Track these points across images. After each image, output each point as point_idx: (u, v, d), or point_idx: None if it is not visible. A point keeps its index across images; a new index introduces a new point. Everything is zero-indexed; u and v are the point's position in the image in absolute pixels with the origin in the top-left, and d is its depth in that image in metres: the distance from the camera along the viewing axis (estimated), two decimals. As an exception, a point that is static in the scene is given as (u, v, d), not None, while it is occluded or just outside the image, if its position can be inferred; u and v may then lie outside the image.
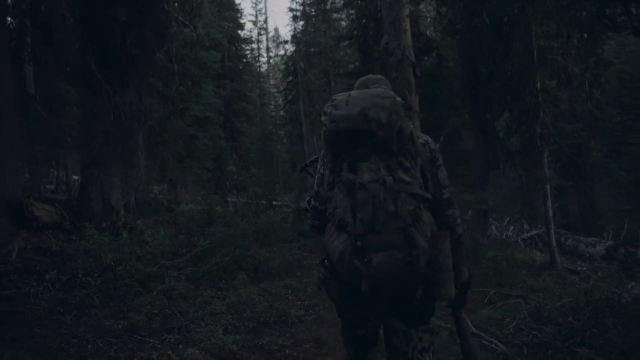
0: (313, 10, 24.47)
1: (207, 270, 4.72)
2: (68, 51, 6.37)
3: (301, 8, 24.50)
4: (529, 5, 8.09)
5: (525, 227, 11.93)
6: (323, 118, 1.70)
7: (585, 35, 9.57)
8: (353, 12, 13.39)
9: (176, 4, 9.04)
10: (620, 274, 6.94)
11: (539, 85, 8.98)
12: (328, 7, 23.45)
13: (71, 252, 4.46)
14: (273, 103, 31.12)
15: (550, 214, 8.96)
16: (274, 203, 11.91)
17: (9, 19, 8.94)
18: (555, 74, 10.11)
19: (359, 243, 1.52)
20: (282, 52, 31.31)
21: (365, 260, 1.51)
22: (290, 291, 5.20)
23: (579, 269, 8.52)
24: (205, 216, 5.68)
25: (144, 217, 7.36)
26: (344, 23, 22.90)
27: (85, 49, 5.52)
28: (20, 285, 3.68)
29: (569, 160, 12.51)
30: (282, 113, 27.71)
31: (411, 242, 1.54)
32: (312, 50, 23.36)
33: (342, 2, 17.14)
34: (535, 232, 11.30)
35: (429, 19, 12.46)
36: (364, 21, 11.40)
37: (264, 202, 11.25)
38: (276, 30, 58.23)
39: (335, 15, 23.54)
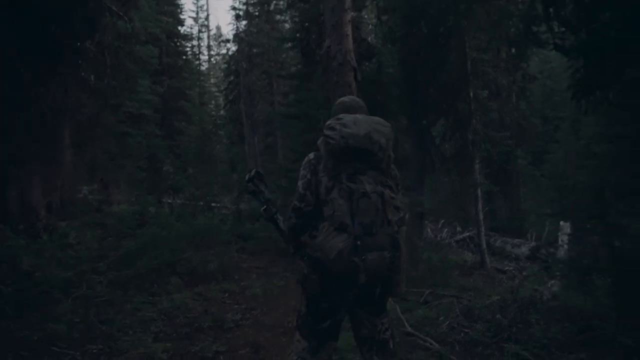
0: (256, 10, 24.18)
1: (136, 274, 4.45)
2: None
3: (244, 7, 24.13)
4: (462, 17, 8.48)
5: (458, 229, 12.49)
6: (330, 132, 1.96)
7: (513, 50, 10.22)
8: (296, 14, 13.37)
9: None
10: (542, 273, 7.41)
11: (471, 94, 9.45)
12: (271, 7, 23.27)
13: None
14: (213, 102, 30.39)
15: (481, 216, 9.44)
16: (213, 204, 11.59)
17: None
18: (486, 85, 10.66)
19: (358, 242, 1.83)
20: (223, 51, 30.71)
21: (363, 257, 1.83)
22: (227, 295, 5.05)
23: (506, 268, 9.04)
24: (137, 217, 5.36)
25: (70, 218, 6.85)
26: (287, 25, 22.83)
27: (6, 35, 5.01)
28: None
29: (498, 167, 13.29)
30: (222, 112, 27.13)
31: (396, 245, 1.92)
32: (254, 50, 23.07)
33: (286, 3, 17.08)
34: (467, 233, 11.86)
35: (370, 26, 12.72)
36: (307, 24, 11.40)
37: (201, 203, 10.91)
38: (218, 28, 57.01)
39: (278, 17, 23.40)
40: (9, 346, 2.95)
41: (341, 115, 2.04)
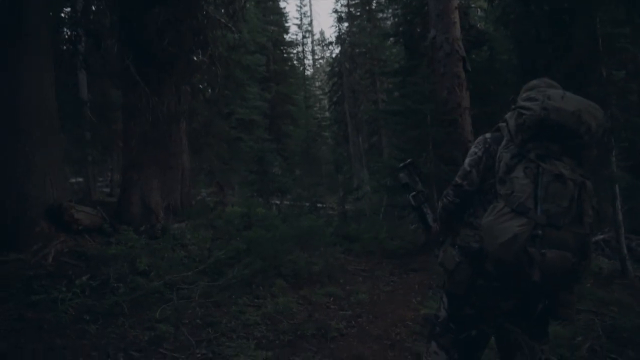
0: (358, 10, 24.17)
1: (243, 277, 4.49)
2: (113, 56, 6.42)
3: (345, 9, 24.27)
4: (592, -13, 7.36)
5: (590, 231, 11.00)
6: (528, 103, 1.69)
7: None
8: (398, 7, 12.94)
9: (222, 10, 9.02)
10: None
11: (604, 75, 8.19)
12: (373, 6, 23.05)
13: (107, 255, 4.37)
14: (318, 105, 31.03)
15: (620, 216, 8.12)
16: (319, 205, 11.67)
17: (65, 29, 9.28)
18: (622, 64, 9.20)
19: (539, 232, 1.52)
20: (327, 54, 31.23)
21: (542, 251, 1.50)
22: (331, 299, 4.88)
23: (656, 279, 7.64)
24: (245, 219, 5.50)
25: (188, 219, 7.29)
26: (389, 22, 22.42)
27: (124, 50, 5.50)
28: (50, 290, 3.59)
29: (641, 158, 11.39)
30: (327, 114, 27.54)
31: (585, 252, 1.58)
32: (357, 50, 23.04)
33: (387, -1, 16.70)
34: (602, 236, 10.38)
35: (479, 11, 11.78)
36: (409, 17, 10.93)
37: (307, 203, 11.04)
38: (321, 33, 58.24)
39: (380, 15, 23.12)
40: (121, 345, 3.12)
41: (544, 87, 1.77)
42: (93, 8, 7.92)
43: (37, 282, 3.70)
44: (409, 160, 2.28)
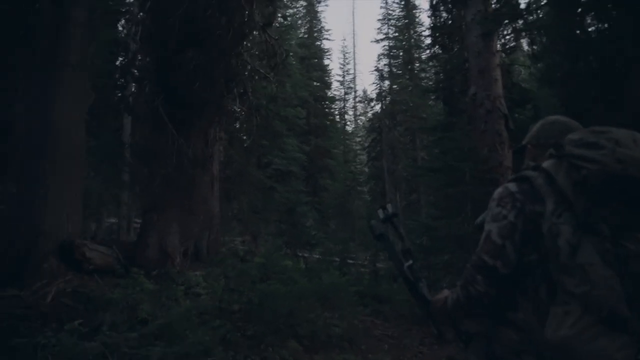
0: (400, 69, 24.63)
1: (253, 334, 4.08)
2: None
3: (387, 68, 24.79)
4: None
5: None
6: (587, 152, 1.21)
7: None
8: (438, 64, 12.94)
9: (263, 61, 9.24)
10: None
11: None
12: (415, 65, 23.41)
13: (110, 299, 4.11)
14: (358, 159, 31.05)
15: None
16: (349, 261, 11.17)
17: (117, 75, 9.75)
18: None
19: None
20: (368, 111, 31.70)
21: None
22: (349, 369, 4.36)
23: None
24: (262, 270, 5.17)
25: (210, 266, 7.02)
26: (430, 83, 22.67)
27: (156, 91, 5.56)
28: (35, 333, 3.32)
29: None
30: (365, 169, 27.45)
31: None
32: (397, 107, 23.22)
33: (428, 55, 16.85)
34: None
35: (522, 71, 11.55)
36: (449, 72, 10.83)
37: (337, 258, 10.58)
38: (364, 91, 59.65)
39: (422, 75, 23.40)
40: None
41: (604, 129, 1.27)
42: (139, 57, 8.28)
43: (26, 324, 3.46)
44: (389, 205, 1.76)
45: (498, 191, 1.37)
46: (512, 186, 1.34)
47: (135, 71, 8.28)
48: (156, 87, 5.67)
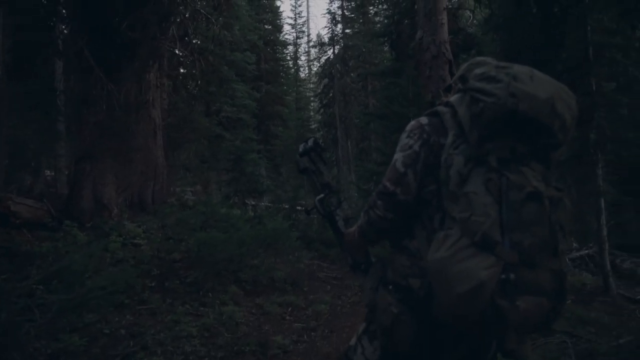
0: (353, 13, 23.98)
1: (193, 281, 4.11)
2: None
3: (339, 11, 24.06)
4: (585, -7, 7.13)
5: (575, 245, 10.74)
6: (486, 85, 1.22)
7: (652, 30, 8.42)
8: (388, 8, 12.69)
9: (204, 1, 8.70)
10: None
11: (594, 86, 7.95)
12: (369, 10, 22.85)
13: (41, 253, 3.96)
14: (311, 106, 30.73)
15: (605, 232, 7.86)
16: (298, 208, 11.32)
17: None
18: (613, 76, 8.96)
19: (512, 276, 1.09)
20: (321, 56, 31.01)
21: (517, 303, 1.09)
22: (289, 309, 4.52)
23: (638, 297, 7.37)
24: (203, 218, 5.12)
25: (153, 217, 6.89)
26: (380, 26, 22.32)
27: (79, 32, 5.11)
28: (-48, 292, 3.19)
29: (629, 173, 11.15)
30: (317, 117, 27.27)
31: (562, 292, 1.18)
32: (349, 53, 22.81)
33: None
34: (586, 251, 10.15)
35: (468, 12, 11.52)
36: (397, 17, 10.68)
37: (287, 205, 10.67)
38: (318, 36, 58.02)
39: (376, 19, 22.93)
40: (16, 358, 2.69)
41: (507, 64, 1.26)
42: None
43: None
44: (311, 140, 1.75)
45: (411, 124, 1.42)
46: (423, 119, 1.40)
47: (63, 9, 7.58)
48: (81, 26, 5.19)
